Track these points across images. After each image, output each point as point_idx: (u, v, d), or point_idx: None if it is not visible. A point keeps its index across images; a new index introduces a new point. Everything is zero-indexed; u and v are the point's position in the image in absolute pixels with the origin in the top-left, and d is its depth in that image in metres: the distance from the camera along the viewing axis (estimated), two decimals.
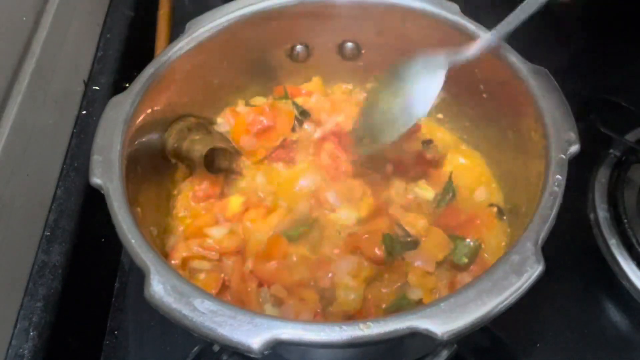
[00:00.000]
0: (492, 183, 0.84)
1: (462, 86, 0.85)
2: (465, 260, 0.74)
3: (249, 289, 0.72)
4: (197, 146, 0.79)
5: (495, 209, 0.80)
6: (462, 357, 0.75)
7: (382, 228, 0.76)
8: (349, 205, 0.80)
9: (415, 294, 0.71)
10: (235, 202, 0.80)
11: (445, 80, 0.73)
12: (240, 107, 0.91)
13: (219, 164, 0.83)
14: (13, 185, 0.72)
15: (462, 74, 0.83)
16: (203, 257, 0.75)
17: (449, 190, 0.82)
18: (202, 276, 0.74)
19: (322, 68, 0.91)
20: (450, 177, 0.83)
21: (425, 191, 0.82)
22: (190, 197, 0.82)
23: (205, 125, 0.84)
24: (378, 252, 0.73)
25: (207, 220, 0.79)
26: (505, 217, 0.79)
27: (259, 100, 0.92)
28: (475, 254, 0.74)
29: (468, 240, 0.74)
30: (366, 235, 0.75)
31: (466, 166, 0.86)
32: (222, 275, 0.74)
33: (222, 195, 0.83)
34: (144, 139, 0.75)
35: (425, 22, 0.81)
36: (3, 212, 0.70)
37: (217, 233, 0.77)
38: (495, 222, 0.79)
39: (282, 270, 0.73)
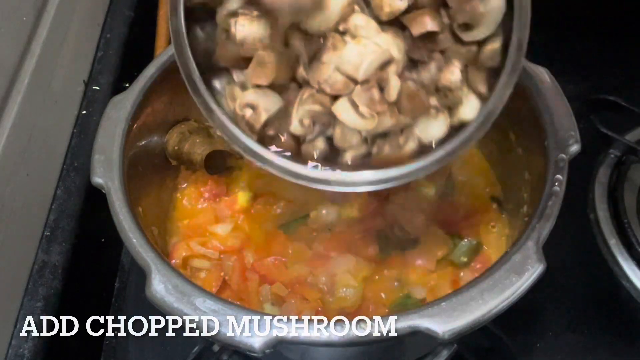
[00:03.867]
0: (492, 179, 0.84)
1: None
2: (465, 259, 0.74)
3: (250, 288, 0.73)
4: (198, 149, 0.79)
5: (495, 205, 0.80)
6: (462, 357, 0.75)
7: (377, 226, 0.76)
8: (344, 203, 0.80)
9: (419, 293, 0.71)
10: (243, 197, 0.81)
11: None
12: None
13: (219, 165, 0.83)
14: (13, 185, 0.72)
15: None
16: (203, 256, 0.75)
17: (448, 186, 0.82)
18: (202, 275, 0.74)
19: None
20: (450, 172, 0.83)
21: (426, 188, 0.82)
22: (194, 197, 0.82)
23: (206, 129, 0.84)
24: (371, 250, 0.73)
25: (210, 219, 0.79)
26: (505, 214, 0.79)
27: None
28: (474, 253, 0.74)
29: (466, 240, 0.74)
30: (360, 235, 0.76)
31: (466, 162, 0.86)
32: (222, 274, 0.74)
33: (228, 192, 0.83)
34: (145, 139, 0.75)
35: None
36: (3, 212, 0.70)
37: (222, 230, 0.77)
38: (495, 218, 0.79)
39: (280, 265, 0.74)
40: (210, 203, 0.82)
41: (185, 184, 0.84)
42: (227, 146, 0.84)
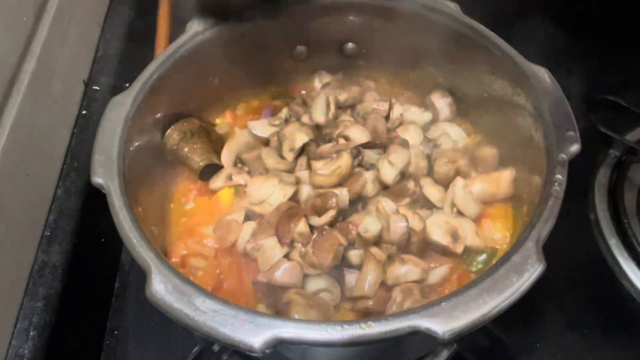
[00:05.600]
0: None
1: (462, 86, 0.85)
2: (480, 266, 0.74)
3: (245, 289, 0.73)
4: (197, 157, 0.80)
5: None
6: (462, 357, 0.75)
7: None
8: None
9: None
10: (225, 195, 0.81)
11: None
12: (240, 109, 0.91)
13: (213, 173, 0.83)
14: (13, 185, 0.72)
15: (463, 74, 0.83)
16: (200, 254, 0.75)
17: None
18: (200, 274, 0.74)
19: (322, 67, 0.92)
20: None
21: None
22: (192, 196, 0.82)
23: (207, 129, 0.84)
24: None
25: (206, 217, 0.79)
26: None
27: (257, 101, 0.92)
28: (490, 260, 0.74)
29: (484, 255, 0.75)
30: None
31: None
32: (218, 271, 0.74)
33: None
34: (144, 139, 0.75)
35: (425, 22, 0.81)
36: (3, 212, 0.70)
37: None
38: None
39: None
40: (201, 202, 0.82)
41: (184, 184, 0.84)
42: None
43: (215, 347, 0.74)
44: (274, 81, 0.92)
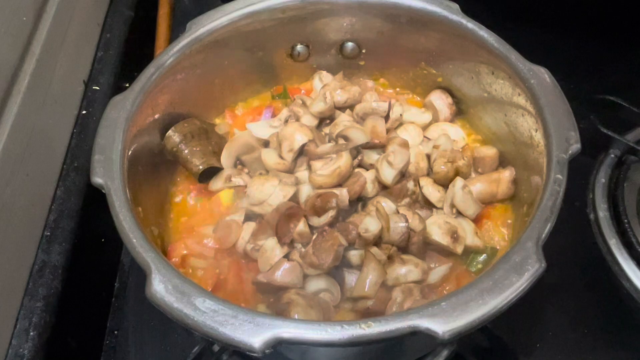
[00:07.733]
0: None
1: (462, 86, 0.85)
2: (480, 266, 0.74)
3: (245, 289, 0.73)
4: (197, 160, 0.80)
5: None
6: (462, 357, 0.75)
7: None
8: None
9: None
10: (225, 196, 0.81)
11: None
12: (240, 109, 0.91)
13: (212, 175, 0.83)
14: (13, 185, 0.72)
15: (463, 74, 0.83)
16: (200, 255, 0.75)
17: None
18: (199, 274, 0.74)
19: (322, 67, 0.92)
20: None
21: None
22: (191, 197, 0.82)
23: (206, 130, 0.84)
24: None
25: (205, 218, 0.80)
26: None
27: (257, 100, 0.93)
28: (490, 260, 0.74)
29: (484, 255, 0.75)
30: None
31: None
32: (217, 271, 0.74)
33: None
34: (145, 139, 0.75)
35: (425, 22, 0.81)
36: (3, 212, 0.70)
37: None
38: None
39: None
40: (202, 202, 0.82)
41: (183, 184, 0.84)
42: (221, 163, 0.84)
43: (215, 347, 0.74)
44: (274, 81, 0.92)
